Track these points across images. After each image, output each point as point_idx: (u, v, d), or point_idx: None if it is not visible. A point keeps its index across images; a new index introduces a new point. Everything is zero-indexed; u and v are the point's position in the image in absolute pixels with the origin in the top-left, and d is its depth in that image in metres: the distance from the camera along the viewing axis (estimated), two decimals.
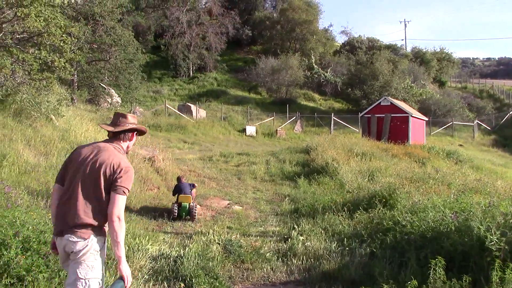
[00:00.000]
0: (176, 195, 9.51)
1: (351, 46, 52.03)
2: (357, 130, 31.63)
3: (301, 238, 6.83)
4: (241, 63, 49.20)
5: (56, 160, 9.22)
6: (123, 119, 3.63)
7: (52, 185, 8.14)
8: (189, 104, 33.24)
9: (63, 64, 11.20)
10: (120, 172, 3.31)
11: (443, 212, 6.15)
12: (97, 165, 3.32)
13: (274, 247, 6.84)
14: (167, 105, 31.84)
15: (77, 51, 12.47)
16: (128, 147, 3.67)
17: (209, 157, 18.33)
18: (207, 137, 27.08)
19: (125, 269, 3.24)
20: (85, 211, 3.25)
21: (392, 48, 52.19)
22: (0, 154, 8.39)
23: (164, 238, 7.13)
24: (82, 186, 3.30)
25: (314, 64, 44.58)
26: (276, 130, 31.61)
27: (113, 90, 28.88)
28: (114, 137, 3.58)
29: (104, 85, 27.73)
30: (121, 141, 3.59)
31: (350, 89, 40.56)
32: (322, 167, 13.93)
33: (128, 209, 8.99)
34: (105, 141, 3.60)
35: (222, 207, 10.42)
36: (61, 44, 11.15)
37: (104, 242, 3.40)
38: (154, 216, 8.98)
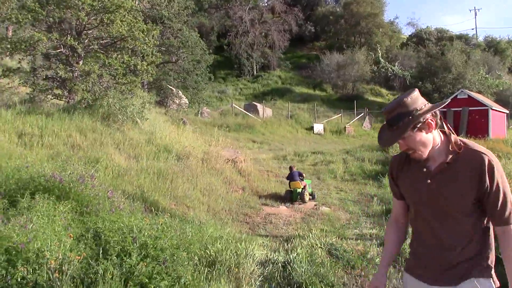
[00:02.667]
0: (288, 182, 11.41)
1: (419, 38, 50.39)
2: None
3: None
4: (304, 60, 48.85)
5: (146, 163, 9.35)
6: None
7: (146, 188, 8.29)
8: (255, 103, 33.30)
9: (145, 67, 11.40)
10: None
11: None
12: None
13: (379, 251, 6.56)
14: (234, 104, 31.99)
15: (157, 53, 12.69)
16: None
17: (283, 156, 18.21)
18: (275, 136, 26.99)
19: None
20: None
21: (463, 38, 50.16)
22: (93, 158, 8.59)
23: (263, 242, 7.01)
24: None
25: (380, 58, 43.52)
26: (345, 127, 31.09)
27: (180, 92, 29.34)
28: None
29: (172, 87, 28.22)
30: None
31: (420, 82, 39.26)
32: None
33: (216, 211, 8.99)
34: None
35: (309, 208, 10.23)
36: (144, 47, 11.36)
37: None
38: (244, 219, 8.94)
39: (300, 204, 10.78)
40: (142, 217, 5.36)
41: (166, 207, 7.92)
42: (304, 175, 11.96)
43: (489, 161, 2.30)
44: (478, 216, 2.39)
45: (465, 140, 2.43)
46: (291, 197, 10.97)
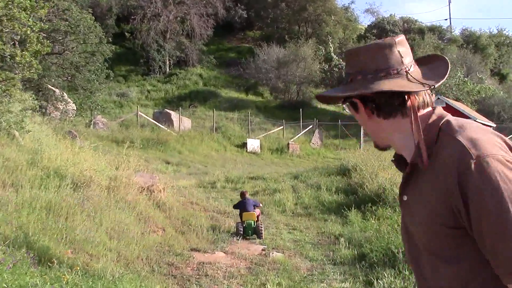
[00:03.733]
0: (239, 212, 11.59)
1: (380, 29, 52.24)
2: None
3: None
4: (233, 54, 49.34)
5: (30, 194, 8.87)
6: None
7: (31, 230, 7.82)
8: (168, 111, 33.12)
9: (27, 59, 10.94)
10: None
11: None
12: None
13: None
14: (139, 112, 31.53)
15: (44, 40, 12.19)
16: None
17: (211, 183, 18.12)
18: (195, 156, 26.96)
19: None
20: None
21: (436, 31, 52.49)
22: None
23: None
24: None
25: (333, 54, 44.48)
26: (288, 144, 31.41)
27: (65, 94, 28.44)
28: None
29: (54, 88, 27.27)
30: None
31: None
32: (376, 194, 13.62)
33: (129, 260, 8.66)
34: None
35: (256, 255, 10.07)
36: (28, 32, 10.91)
37: None
38: (169, 271, 8.66)
39: (251, 239, 11.15)
40: (39, 273, 5.01)
41: (61, 256, 7.52)
42: (261, 204, 12.75)
43: (475, 159, 1.53)
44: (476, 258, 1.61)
45: (454, 123, 1.71)
46: (245, 232, 11.18)
